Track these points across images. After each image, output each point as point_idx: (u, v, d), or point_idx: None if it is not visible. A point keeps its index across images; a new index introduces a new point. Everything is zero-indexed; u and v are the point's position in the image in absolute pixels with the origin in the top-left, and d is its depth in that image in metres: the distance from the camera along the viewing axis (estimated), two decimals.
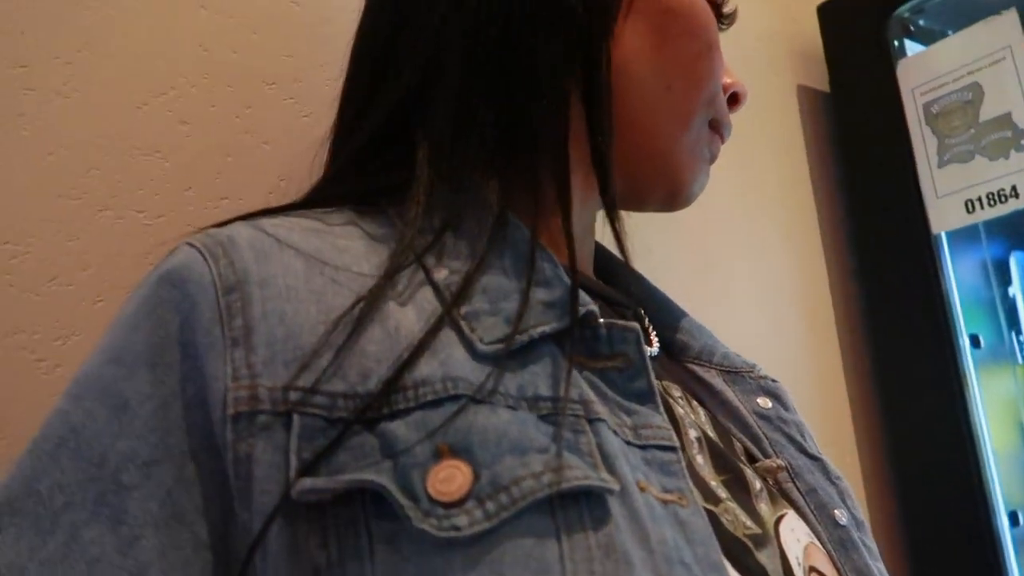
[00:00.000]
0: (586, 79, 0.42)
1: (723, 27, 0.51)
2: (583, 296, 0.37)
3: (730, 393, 0.49)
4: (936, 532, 0.96)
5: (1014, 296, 1.08)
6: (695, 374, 0.51)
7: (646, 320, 0.51)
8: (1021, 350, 1.06)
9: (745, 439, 0.47)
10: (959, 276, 1.00)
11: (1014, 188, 0.86)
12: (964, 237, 1.02)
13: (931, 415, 0.96)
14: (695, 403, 0.45)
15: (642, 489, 0.32)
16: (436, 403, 0.31)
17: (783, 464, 0.45)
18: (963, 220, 0.92)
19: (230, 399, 0.30)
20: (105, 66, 0.57)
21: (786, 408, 0.51)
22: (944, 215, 0.93)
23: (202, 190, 0.59)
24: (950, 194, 0.92)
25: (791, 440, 0.48)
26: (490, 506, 0.28)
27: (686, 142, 0.46)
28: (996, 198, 0.88)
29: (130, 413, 0.31)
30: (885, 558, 0.45)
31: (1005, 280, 1.09)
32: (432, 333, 0.33)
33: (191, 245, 0.35)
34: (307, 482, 0.29)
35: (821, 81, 1.15)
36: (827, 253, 1.10)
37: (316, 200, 0.42)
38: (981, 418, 0.96)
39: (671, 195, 0.48)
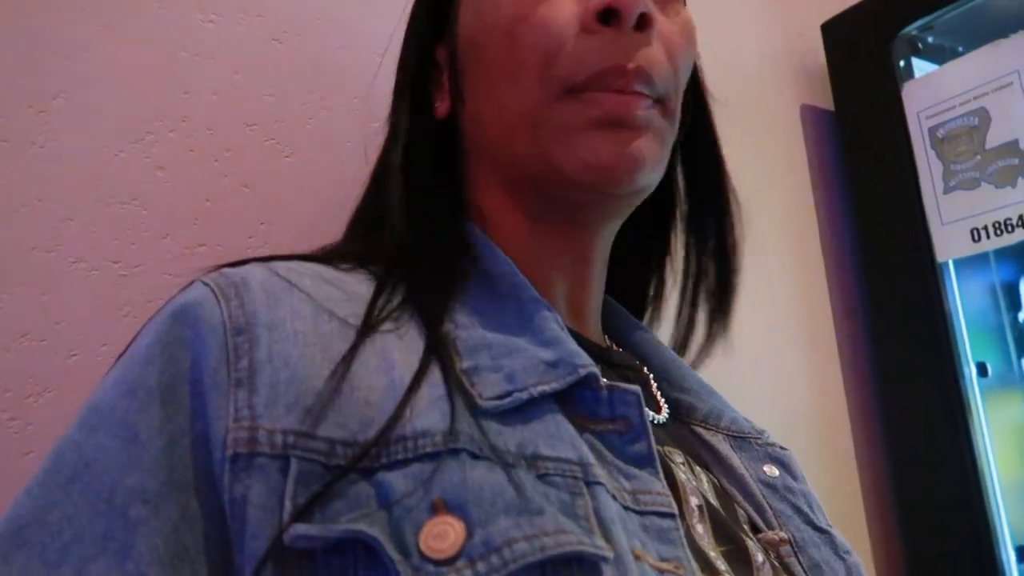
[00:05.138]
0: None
1: None
2: (584, 358, 0.38)
3: (736, 459, 0.47)
4: (941, 566, 0.94)
5: (1023, 321, 1.05)
6: (701, 437, 0.49)
7: (653, 385, 0.50)
8: None
9: (749, 508, 0.45)
10: (967, 302, 0.97)
11: (1021, 217, 0.84)
12: (973, 261, 0.99)
13: (935, 445, 0.94)
14: (698, 469, 0.44)
15: (637, 557, 0.32)
16: (434, 456, 0.31)
17: (786, 537, 0.43)
18: (969, 249, 0.89)
19: (230, 439, 0.30)
20: (81, 114, 0.56)
21: (794, 477, 0.48)
22: (949, 243, 0.91)
23: (180, 237, 0.59)
24: (955, 221, 0.90)
25: (797, 511, 0.46)
26: (481, 567, 0.28)
27: (545, 131, 0.41)
28: (1003, 227, 0.85)
29: (140, 447, 0.31)
30: None
31: (1014, 305, 1.06)
32: (416, 383, 0.34)
33: (205, 284, 0.36)
34: (300, 528, 0.29)
35: (826, 99, 1.13)
36: (831, 279, 1.08)
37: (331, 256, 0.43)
38: (988, 448, 0.93)
39: (571, 183, 0.41)
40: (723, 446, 0.48)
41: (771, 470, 0.47)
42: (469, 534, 0.29)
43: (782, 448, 0.50)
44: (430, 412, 0.33)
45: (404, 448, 0.31)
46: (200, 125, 0.61)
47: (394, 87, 0.50)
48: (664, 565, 0.33)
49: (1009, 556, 0.90)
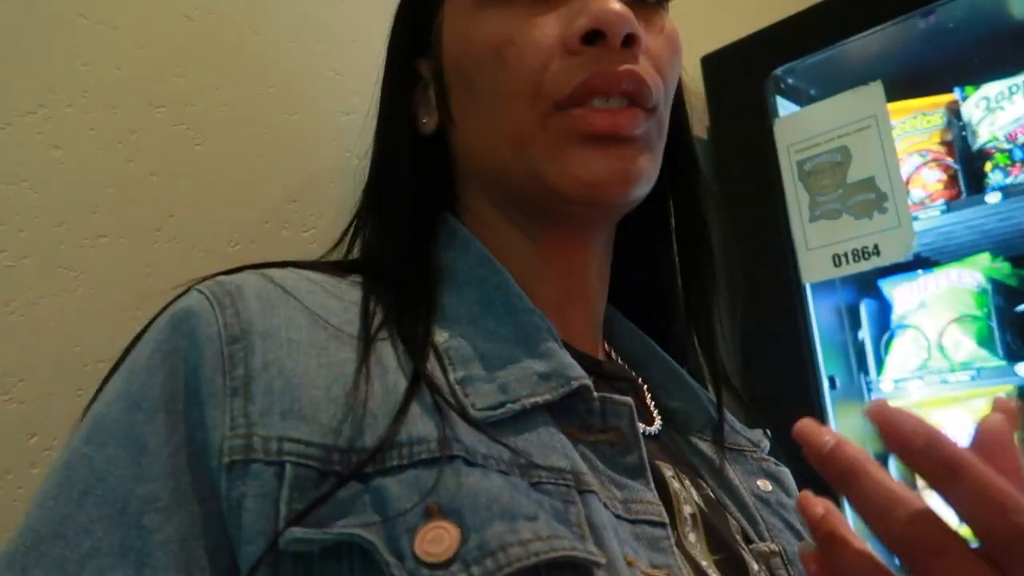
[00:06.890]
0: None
1: None
2: (576, 369, 0.38)
3: (730, 471, 0.47)
4: None
5: (863, 340, 1.17)
6: (696, 447, 0.49)
7: (648, 396, 0.49)
8: (868, 389, 1.16)
9: (742, 519, 0.45)
10: (819, 322, 1.07)
11: (876, 247, 0.93)
12: (821, 284, 1.10)
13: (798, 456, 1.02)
14: (687, 481, 0.43)
15: (630, 563, 0.33)
16: (429, 462, 0.32)
17: (777, 549, 0.44)
18: (830, 273, 0.98)
19: (226, 447, 0.31)
20: None
21: (787, 493, 0.49)
22: (813, 267, 0.99)
23: (76, 226, 0.52)
24: (819, 248, 0.98)
25: (789, 526, 0.46)
26: (475, 571, 0.29)
27: (536, 150, 0.41)
28: (860, 255, 0.95)
29: (149, 457, 0.32)
30: None
31: (855, 325, 1.19)
32: (410, 393, 0.34)
33: (200, 291, 0.36)
34: (296, 531, 0.29)
35: (700, 129, 1.20)
36: None
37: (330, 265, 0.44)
38: None
39: (564, 198, 0.41)
40: (718, 457, 0.48)
41: (765, 484, 0.47)
42: (464, 539, 0.30)
43: (776, 464, 0.51)
44: (425, 420, 0.34)
45: (399, 454, 0.32)
46: (102, 102, 0.54)
47: (379, 103, 0.49)
48: (655, 572, 0.34)
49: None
